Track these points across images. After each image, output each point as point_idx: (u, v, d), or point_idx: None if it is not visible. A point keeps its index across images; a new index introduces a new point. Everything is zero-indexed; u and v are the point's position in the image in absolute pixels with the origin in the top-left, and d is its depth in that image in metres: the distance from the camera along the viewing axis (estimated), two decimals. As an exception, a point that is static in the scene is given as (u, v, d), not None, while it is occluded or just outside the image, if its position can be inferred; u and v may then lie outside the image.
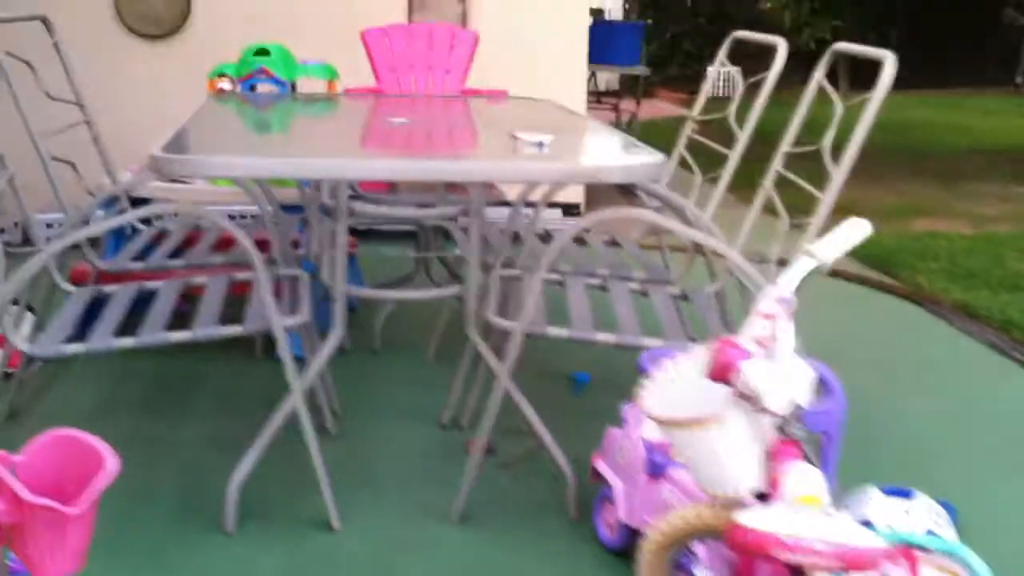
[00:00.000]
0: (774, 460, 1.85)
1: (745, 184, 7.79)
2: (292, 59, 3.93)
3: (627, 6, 14.61)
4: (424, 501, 2.76)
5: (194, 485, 2.81)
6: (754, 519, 1.56)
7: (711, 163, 3.42)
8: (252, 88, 3.94)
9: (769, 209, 2.98)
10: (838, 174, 2.69)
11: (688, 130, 3.79)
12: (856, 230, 1.99)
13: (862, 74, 11.86)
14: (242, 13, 5.65)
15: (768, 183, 3.11)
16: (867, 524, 2.27)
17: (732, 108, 3.41)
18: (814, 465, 1.74)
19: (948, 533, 2.28)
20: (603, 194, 6.48)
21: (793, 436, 1.86)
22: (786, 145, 3.12)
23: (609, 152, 2.73)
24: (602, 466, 2.54)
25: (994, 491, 2.96)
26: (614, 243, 3.62)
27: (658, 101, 13.49)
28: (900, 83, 11.47)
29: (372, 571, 2.44)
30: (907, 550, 2.07)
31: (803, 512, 1.57)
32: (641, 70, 7.76)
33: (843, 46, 2.99)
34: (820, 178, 2.75)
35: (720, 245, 2.64)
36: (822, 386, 2.27)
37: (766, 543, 1.52)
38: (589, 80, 8.74)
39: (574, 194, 6.02)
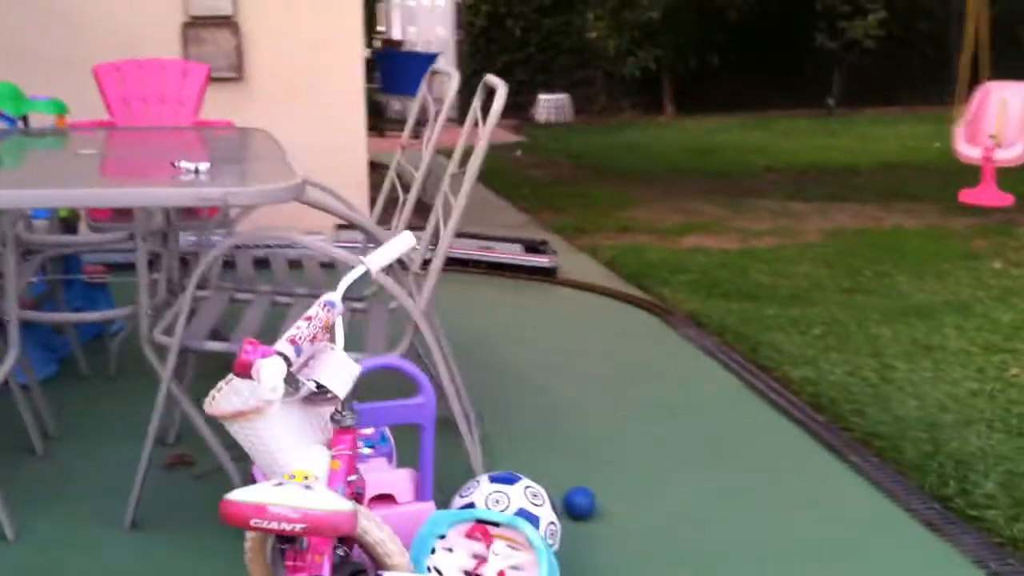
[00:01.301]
0: (332, 447, 2.07)
1: (546, 205, 8.00)
2: (20, 95, 4.03)
3: (459, 37, 14.94)
4: (107, 512, 2.90)
5: None
6: (242, 494, 1.75)
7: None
8: (-16, 124, 4.03)
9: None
10: (466, 186, 2.92)
11: (400, 155, 4.00)
12: (403, 242, 2.21)
13: (688, 97, 12.24)
14: (10, 52, 5.69)
15: (438, 203, 3.32)
16: (470, 506, 2.51)
17: (405, 135, 3.66)
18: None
19: (544, 511, 2.52)
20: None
21: (345, 425, 2.08)
22: (453, 167, 3.34)
23: (257, 177, 2.92)
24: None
25: (657, 477, 3.23)
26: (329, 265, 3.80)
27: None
28: (720, 107, 12.14)
29: (36, 571, 2.60)
30: (481, 526, 2.30)
31: (288, 486, 1.77)
32: (433, 99, 7.99)
33: (490, 78, 3.23)
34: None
35: (353, 258, 2.82)
36: (416, 384, 2.49)
37: (243, 513, 1.72)
38: (385, 107, 8.97)
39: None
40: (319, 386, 1.98)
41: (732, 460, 3.38)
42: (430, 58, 7.98)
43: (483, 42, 14.67)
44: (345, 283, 2.11)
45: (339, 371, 2.01)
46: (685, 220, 7.45)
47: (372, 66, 8.69)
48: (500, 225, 7.05)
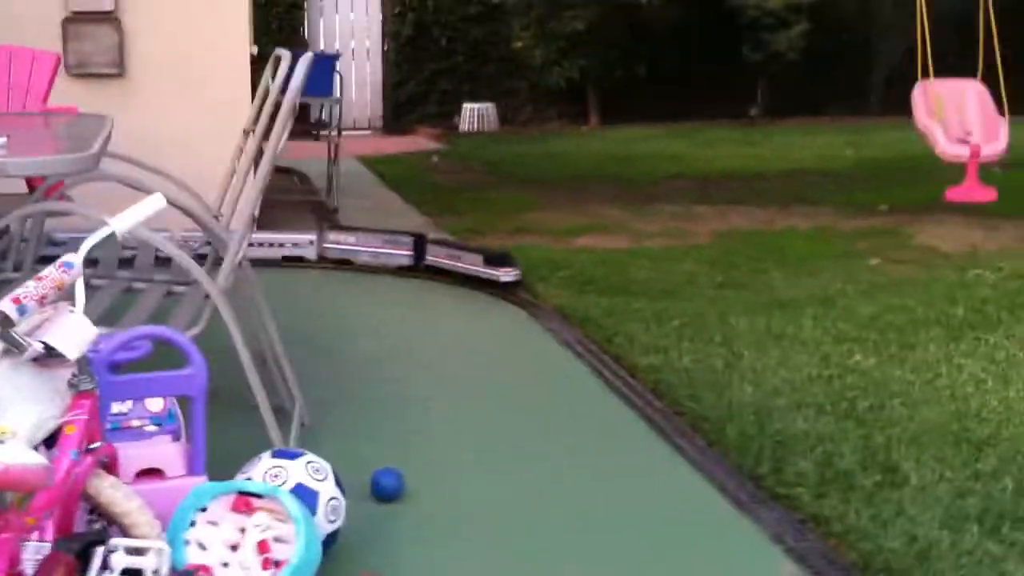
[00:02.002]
0: (69, 412, 2.03)
1: (449, 209, 7.90)
2: None
3: (386, 47, 14.94)
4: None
5: None
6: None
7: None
8: None
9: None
10: (259, 179, 2.90)
11: (244, 149, 3.97)
12: (151, 204, 2.18)
13: (614, 108, 12.32)
14: None
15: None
16: (249, 479, 2.48)
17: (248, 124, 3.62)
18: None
19: (325, 486, 2.49)
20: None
21: (82, 389, 2.04)
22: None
23: (57, 152, 2.88)
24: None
25: (480, 462, 3.22)
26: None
27: (417, 137, 13.81)
28: (645, 118, 12.20)
29: None
30: (244, 498, 2.28)
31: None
32: (334, 99, 7.97)
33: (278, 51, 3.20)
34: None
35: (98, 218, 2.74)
36: (186, 356, 2.46)
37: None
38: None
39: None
40: (49, 348, 1.95)
41: (561, 445, 3.38)
42: (329, 59, 7.96)
43: (409, 51, 14.67)
44: (88, 244, 2.07)
45: (71, 333, 1.97)
46: (583, 222, 7.48)
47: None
48: (397, 227, 7.01)
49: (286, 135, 3.15)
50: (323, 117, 8.95)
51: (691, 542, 2.76)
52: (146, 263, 3.53)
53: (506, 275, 5.31)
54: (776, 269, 5.77)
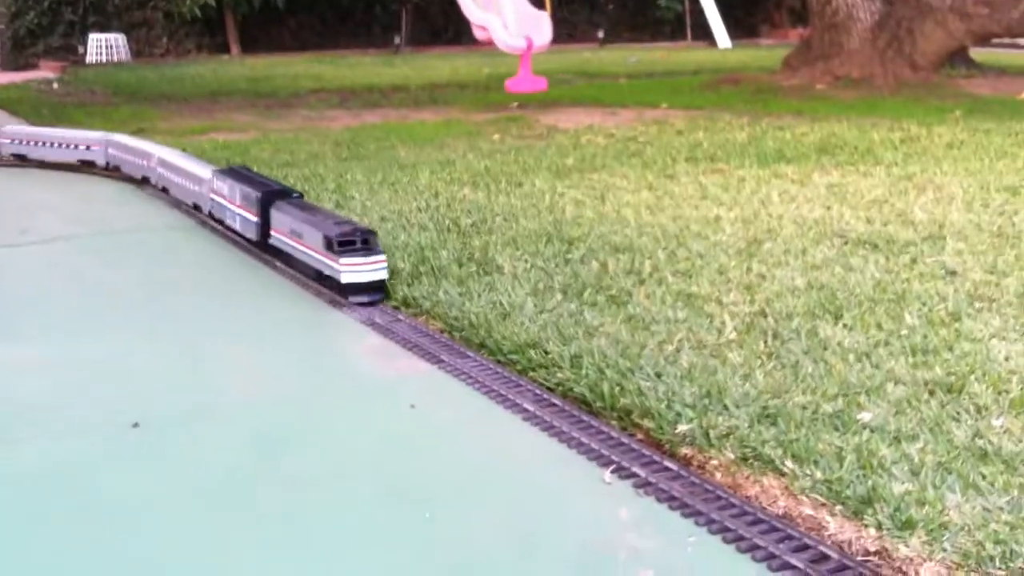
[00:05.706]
0: None
1: (62, 120, 7.30)
2: None
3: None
4: None
5: None
6: None
7: None
8: None
9: None
10: None
11: None
12: None
13: (255, 37, 11.62)
14: None
15: None
16: None
17: None
18: None
19: None
20: None
21: None
22: None
23: None
24: None
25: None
26: None
27: (40, 71, 12.76)
28: (289, 47, 11.63)
29: None
30: None
31: None
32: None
33: None
34: None
35: None
36: None
37: None
38: None
39: None
40: None
41: (144, 266, 3.18)
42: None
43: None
44: None
45: None
46: (210, 124, 7.16)
47: None
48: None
49: None
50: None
51: (287, 336, 2.67)
52: None
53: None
54: (402, 146, 5.74)
